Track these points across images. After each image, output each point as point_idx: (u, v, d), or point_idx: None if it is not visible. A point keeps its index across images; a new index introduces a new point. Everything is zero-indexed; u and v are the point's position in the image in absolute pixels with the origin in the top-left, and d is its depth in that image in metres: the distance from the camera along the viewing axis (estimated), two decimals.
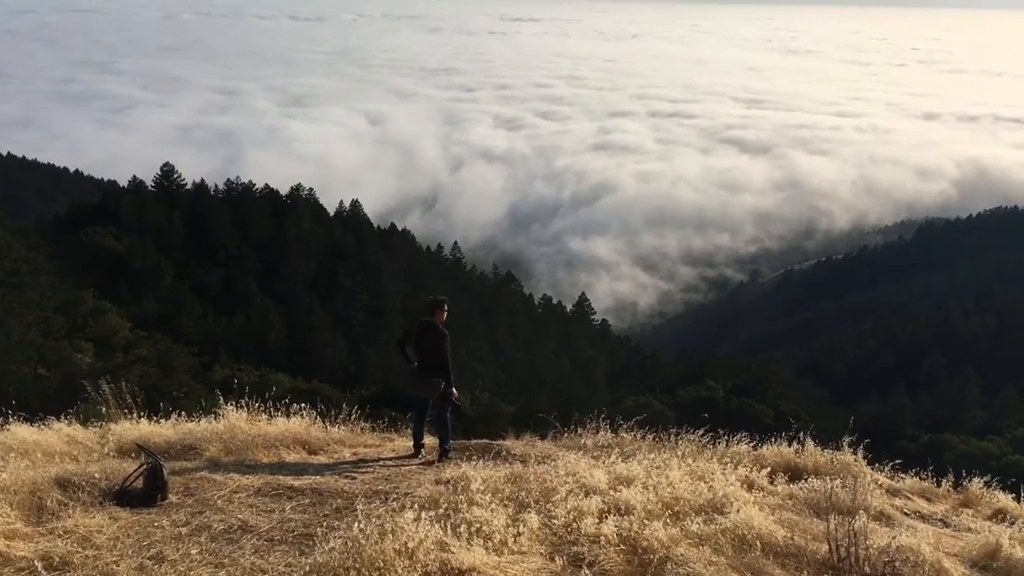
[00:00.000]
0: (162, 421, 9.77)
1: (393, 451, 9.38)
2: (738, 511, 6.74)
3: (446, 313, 9.68)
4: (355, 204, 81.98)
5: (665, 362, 72.89)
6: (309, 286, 68.04)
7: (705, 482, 7.44)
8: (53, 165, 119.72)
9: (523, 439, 9.86)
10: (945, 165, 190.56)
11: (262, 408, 9.69)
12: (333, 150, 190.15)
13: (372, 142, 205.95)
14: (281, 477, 7.79)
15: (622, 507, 6.78)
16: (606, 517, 6.57)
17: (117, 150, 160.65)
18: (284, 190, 78.67)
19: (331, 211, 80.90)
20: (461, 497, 6.81)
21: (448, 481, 7.61)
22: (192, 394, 41.25)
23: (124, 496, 7.00)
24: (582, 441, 9.66)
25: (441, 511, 6.53)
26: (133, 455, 8.15)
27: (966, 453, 44.66)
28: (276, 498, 7.27)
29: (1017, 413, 58.74)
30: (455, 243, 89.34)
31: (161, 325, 51.92)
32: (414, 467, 8.68)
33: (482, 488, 7.01)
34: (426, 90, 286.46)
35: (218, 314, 59.80)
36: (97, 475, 7.24)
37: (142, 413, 9.83)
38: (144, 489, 7.04)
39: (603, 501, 6.86)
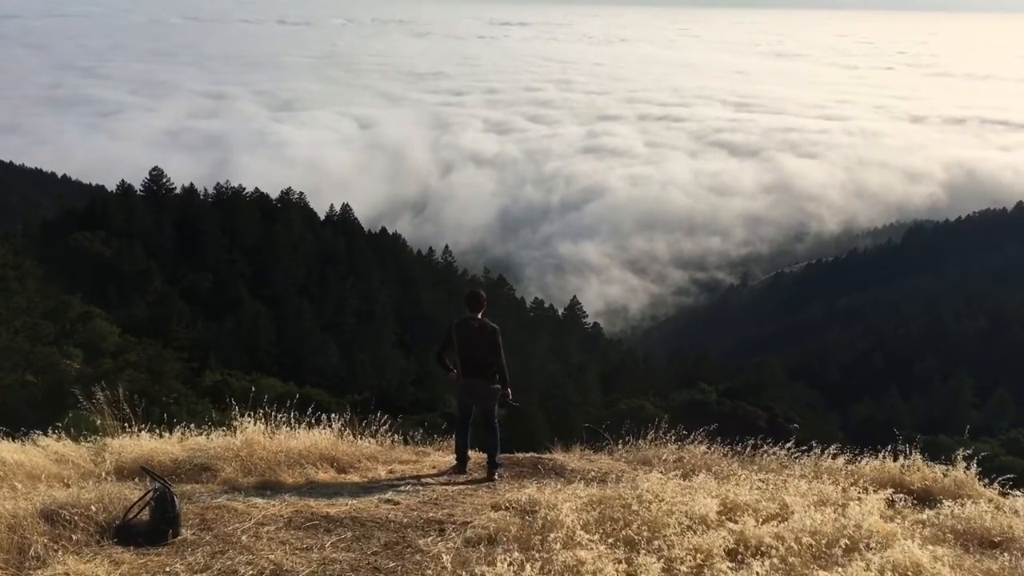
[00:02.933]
0: (166, 434, 8.49)
1: (433, 467, 8.40)
2: (890, 547, 5.67)
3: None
4: (345, 208, 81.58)
5: (657, 365, 72.73)
6: (299, 290, 67.60)
7: (832, 508, 6.38)
8: (40, 170, 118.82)
9: (572, 451, 8.95)
10: (933, 168, 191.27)
11: (281, 419, 8.52)
12: (323, 154, 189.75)
13: (362, 146, 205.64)
14: (312, 503, 6.76)
15: (752, 544, 5.72)
16: (741, 559, 5.56)
17: (105, 155, 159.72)
18: (274, 194, 78.25)
19: (321, 215, 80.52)
20: (554, 536, 5.74)
21: (510, 506, 6.65)
22: (182, 400, 40.93)
23: (127, 532, 5.85)
24: (643, 454, 8.68)
25: (520, 548, 5.57)
26: (136, 478, 7.00)
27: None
28: (311, 531, 6.20)
29: (1010, 415, 58.86)
30: (446, 247, 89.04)
31: (150, 330, 51.44)
32: (462, 487, 7.70)
33: (571, 519, 5.93)
34: (415, 94, 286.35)
35: (208, 319, 59.32)
36: (93, 506, 6.07)
37: (142, 425, 8.57)
38: (151, 523, 5.88)
39: (728, 537, 5.77)
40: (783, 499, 6.52)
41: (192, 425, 8.66)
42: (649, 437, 8.91)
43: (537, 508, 6.39)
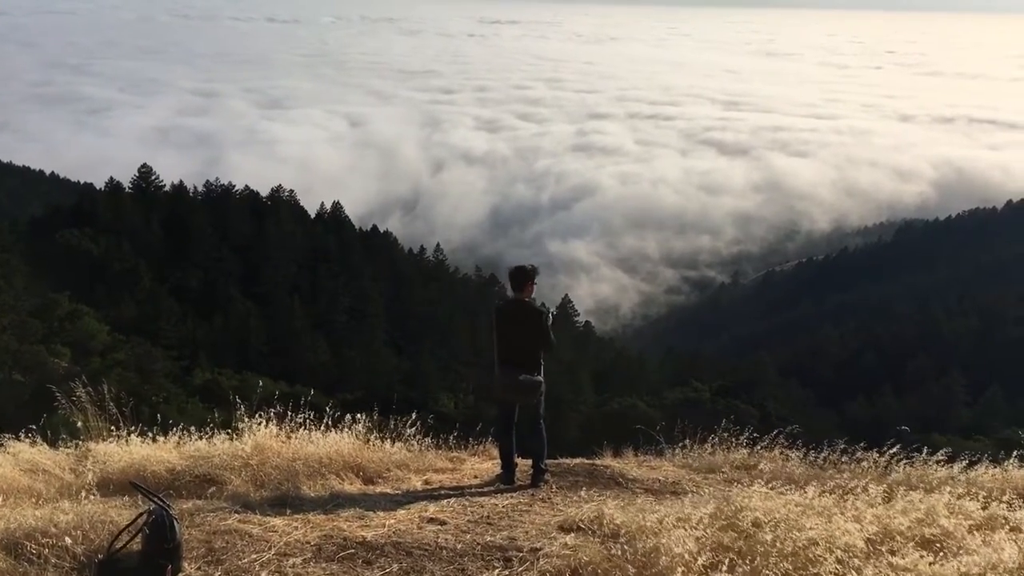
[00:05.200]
0: (160, 438, 7.37)
1: (475, 476, 7.43)
2: None
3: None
4: (336, 206, 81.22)
5: (650, 364, 72.55)
6: (290, 288, 67.23)
7: (1006, 532, 5.26)
8: (29, 168, 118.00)
9: (626, 457, 8.02)
10: (922, 167, 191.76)
11: (295, 420, 7.46)
12: (313, 152, 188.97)
13: (352, 144, 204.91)
14: (343, 524, 5.65)
15: None
16: None
17: (94, 152, 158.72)
18: (264, 192, 77.88)
19: (312, 213, 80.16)
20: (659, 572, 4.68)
21: (582, 526, 5.59)
22: (172, 399, 40.59)
23: (113, 568, 4.52)
24: (709, 460, 7.78)
25: None
26: (125, 494, 6.01)
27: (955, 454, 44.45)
28: (347, 564, 5.04)
29: (1002, 413, 58.86)
30: (437, 245, 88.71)
31: (139, 329, 51.15)
32: (513, 499, 6.69)
33: (683, 549, 4.75)
34: (405, 92, 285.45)
35: (198, 317, 58.95)
36: (69, 535, 4.83)
37: (132, 427, 7.42)
38: (144, 556, 4.51)
39: None
40: (939, 522, 5.28)
41: (191, 428, 7.60)
42: (711, 440, 8.08)
43: (619, 531, 5.33)
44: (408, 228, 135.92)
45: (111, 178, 73.69)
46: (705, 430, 8.27)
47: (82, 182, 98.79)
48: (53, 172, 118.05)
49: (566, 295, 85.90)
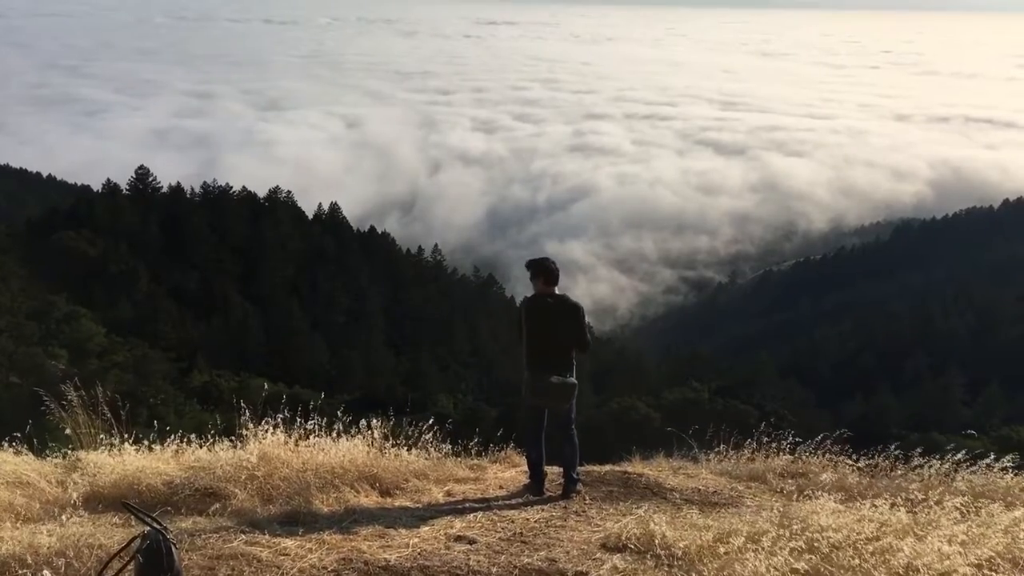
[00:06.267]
0: (157, 447, 6.82)
1: (500, 487, 6.87)
2: None
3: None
4: (334, 207, 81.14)
5: (648, 364, 72.52)
6: (288, 290, 67.18)
7: None
8: (25, 170, 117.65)
9: (657, 462, 7.51)
10: (919, 166, 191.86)
11: (305, 425, 6.87)
12: (311, 153, 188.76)
13: (349, 145, 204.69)
14: (362, 544, 5.14)
15: None
16: None
17: (91, 154, 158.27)
18: (262, 193, 77.71)
19: (310, 214, 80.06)
20: None
21: (629, 545, 5.11)
22: (170, 401, 40.49)
23: None
24: (752, 466, 7.25)
25: None
26: (116, 512, 5.55)
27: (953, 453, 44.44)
28: None
29: (1001, 411, 58.88)
30: (435, 245, 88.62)
31: (137, 330, 51.05)
32: (545, 512, 6.18)
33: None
34: (402, 93, 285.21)
35: (195, 319, 58.88)
36: (51, 564, 4.28)
37: (127, 434, 6.85)
38: None
39: None
40: None
41: (191, 435, 7.01)
42: (748, 444, 7.53)
43: (672, 550, 4.78)
44: (406, 229, 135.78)
45: (108, 180, 73.59)
46: (741, 434, 7.81)
47: (79, 184, 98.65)
48: (50, 174, 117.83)
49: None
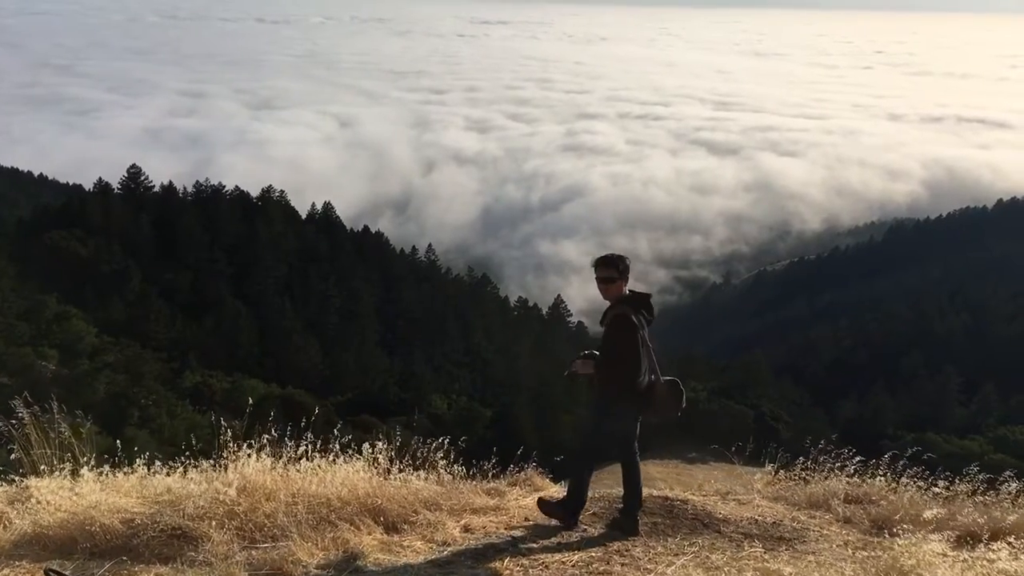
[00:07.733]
0: (119, 472, 5.74)
1: (526, 519, 5.80)
2: None
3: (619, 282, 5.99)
4: (327, 206, 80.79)
5: None
6: (281, 289, 66.80)
7: None
8: (16, 169, 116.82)
9: (702, 487, 6.58)
10: (912, 166, 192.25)
11: (297, 442, 5.82)
12: (304, 153, 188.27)
13: (343, 144, 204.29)
14: None
15: None
16: None
17: (83, 154, 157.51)
18: (254, 193, 77.33)
19: (303, 214, 79.68)
20: None
21: None
22: (162, 401, 40.15)
23: None
24: (809, 489, 6.38)
25: None
26: (60, 558, 4.55)
27: (949, 452, 44.35)
28: None
29: (996, 411, 58.88)
30: (429, 245, 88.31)
31: (129, 330, 50.69)
32: (586, 555, 5.14)
33: None
34: (396, 93, 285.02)
35: (188, 319, 58.47)
36: None
37: (86, 457, 5.63)
38: None
39: None
40: None
41: (160, 457, 5.87)
42: (800, 462, 6.71)
43: None
44: (399, 229, 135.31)
45: (100, 179, 73.12)
46: (785, 449, 7.05)
47: (71, 183, 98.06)
48: (41, 173, 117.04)
49: (558, 296, 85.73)
